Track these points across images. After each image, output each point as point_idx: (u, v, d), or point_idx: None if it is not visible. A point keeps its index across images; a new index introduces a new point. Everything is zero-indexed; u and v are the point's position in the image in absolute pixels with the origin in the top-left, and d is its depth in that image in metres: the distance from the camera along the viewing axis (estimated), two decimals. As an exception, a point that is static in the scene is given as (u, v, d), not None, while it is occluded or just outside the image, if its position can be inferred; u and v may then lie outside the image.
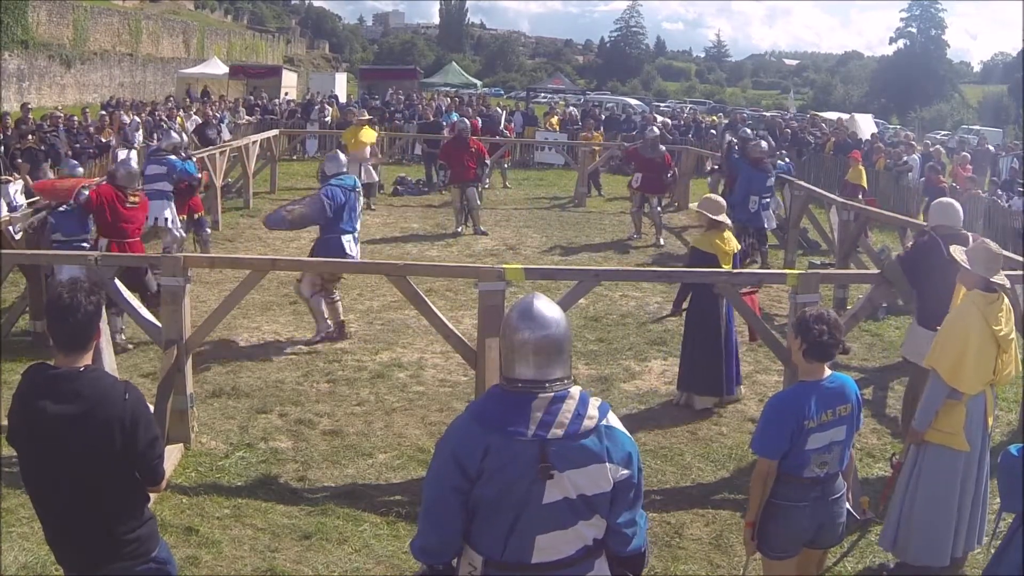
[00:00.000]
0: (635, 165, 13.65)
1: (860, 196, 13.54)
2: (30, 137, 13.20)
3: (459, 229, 13.40)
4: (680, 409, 6.85)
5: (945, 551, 4.46)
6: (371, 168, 15.28)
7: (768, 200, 11.69)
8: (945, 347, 4.33)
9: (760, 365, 7.70)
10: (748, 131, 15.03)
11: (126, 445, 2.86)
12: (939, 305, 5.50)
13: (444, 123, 21.70)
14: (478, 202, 13.68)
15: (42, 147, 12.16)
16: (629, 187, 13.81)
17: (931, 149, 19.86)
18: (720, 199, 7.08)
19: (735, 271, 6.60)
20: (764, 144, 12.28)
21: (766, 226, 11.67)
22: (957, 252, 4.62)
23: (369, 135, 15.22)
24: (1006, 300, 4.48)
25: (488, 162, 14.78)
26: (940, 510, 4.41)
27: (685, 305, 7.06)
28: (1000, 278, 4.41)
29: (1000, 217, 13.91)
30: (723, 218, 6.80)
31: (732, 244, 6.88)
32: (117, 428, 2.84)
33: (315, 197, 8.28)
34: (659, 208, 13.53)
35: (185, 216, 10.58)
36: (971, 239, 5.71)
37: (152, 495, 3.21)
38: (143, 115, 20.49)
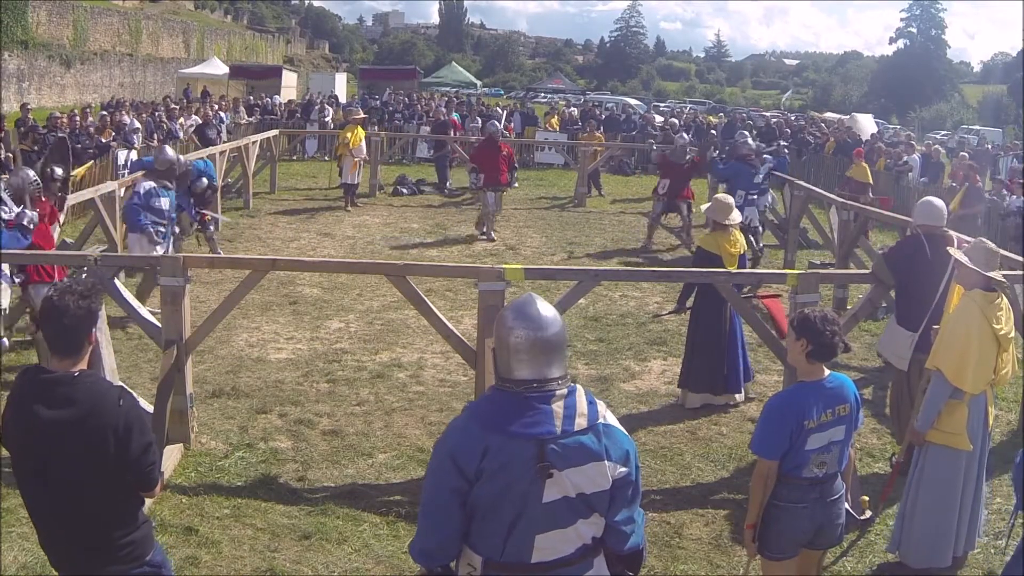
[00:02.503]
0: (662, 171, 13.64)
1: (871, 195, 13.55)
2: (30, 137, 13.20)
3: (492, 234, 13.17)
4: (680, 409, 6.85)
5: (947, 552, 4.48)
6: (360, 166, 15.36)
7: (755, 196, 11.85)
8: (948, 347, 4.33)
9: (760, 365, 7.70)
10: (746, 133, 14.94)
11: (119, 451, 2.84)
12: (919, 304, 5.51)
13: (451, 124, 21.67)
14: (500, 207, 13.58)
15: (35, 148, 12.13)
16: (655, 193, 13.63)
17: (931, 148, 19.87)
18: (729, 200, 7.06)
19: (735, 271, 6.59)
20: (751, 141, 12.80)
21: (743, 220, 11.80)
22: (955, 252, 4.62)
23: (361, 133, 15.47)
24: (1005, 299, 4.49)
25: (516, 165, 14.74)
26: (943, 511, 4.41)
27: (689, 303, 7.06)
28: (998, 275, 4.42)
29: (1000, 217, 13.90)
30: (730, 220, 6.80)
31: (739, 245, 6.87)
32: (111, 434, 2.82)
33: None
34: (690, 215, 13.27)
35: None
36: (956, 240, 5.73)
37: (149, 498, 3.20)
38: (144, 116, 20.47)
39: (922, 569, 4.52)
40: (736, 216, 6.92)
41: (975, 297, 4.38)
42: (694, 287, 6.89)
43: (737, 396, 6.95)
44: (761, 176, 11.95)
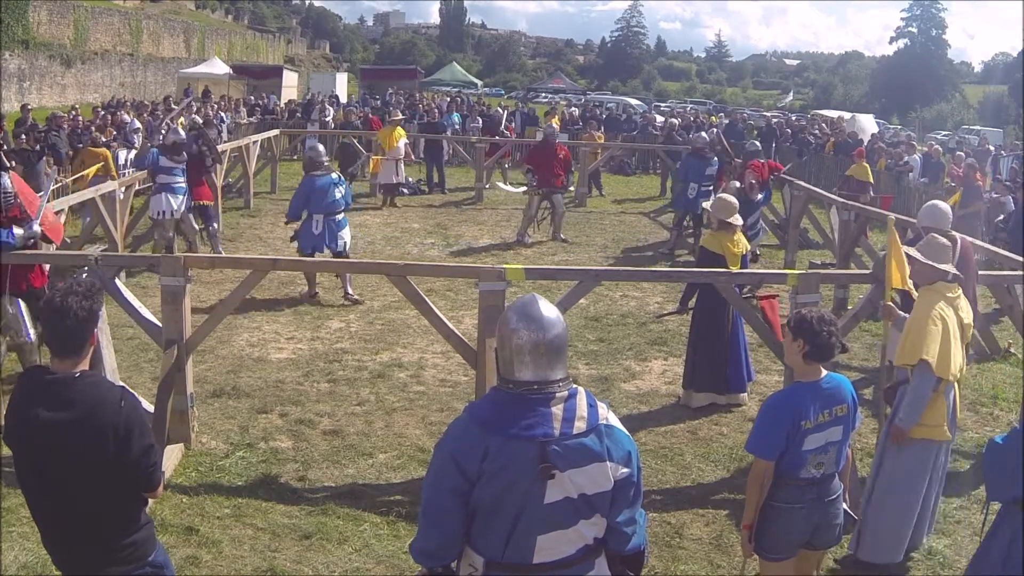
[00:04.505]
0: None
1: (871, 193, 13.60)
2: (23, 137, 13.20)
3: (526, 238, 13.09)
4: (680, 409, 6.85)
5: (903, 546, 4.54)
6: (401, 168, 15.47)
7: (708, 187, 12.24)
8: (929, 339, 4.30)
9: (760, 365, 7.70)
10: (704, 135, 14.85)
11: (119, 452, 2.84)
12: None
13: (446, 123, 21.63)
14: (563, 208, 13.48)
15: (36, 147, 12.15)
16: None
17: (932, 149, 19.86)
18: (732, 200, 7.01)
19: (736, 271, 6.59)
20: (704, 135, 13.54)
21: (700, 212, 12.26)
22: (909, 249, 4.69)
23: (401, 134, 15.59)
24: (962, 292, 4.58)
25: (574, 168, 14.65)
26: (908, 505, 4.45)
27: (692, 304, 7.05)
28: (952, 268, 4.50)
29: (999, 213, 13.90)
30: (734, 220, 6.78)
31: (742, 245, 6.85)
32: (111, 435, 2.82)
33: None
34: None
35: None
36: (959, 241, 5.74)
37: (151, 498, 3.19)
38: (145, 116, 20.46)
39: (879, 564, 4.53)
40: (739, 218, 6.90)
41: (939, 288, 4.45)
42: (697, 287, 6.89)
43: (742, 396, 6.95)
44: (713, 169, 12.46)
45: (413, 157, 16.47)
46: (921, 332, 4.32)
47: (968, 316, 4.53)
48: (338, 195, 9.55)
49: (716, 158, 12.83)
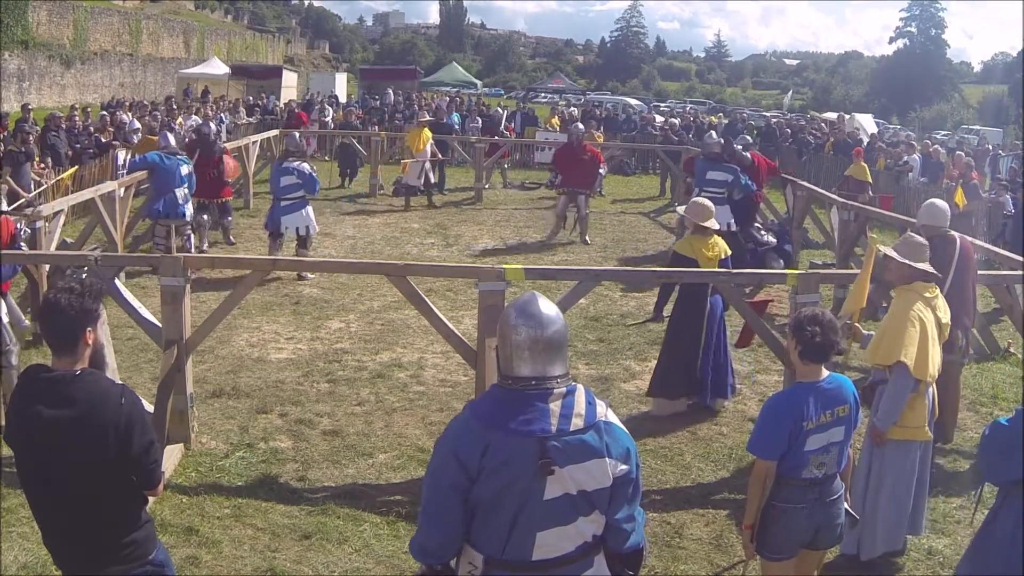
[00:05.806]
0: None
1: (870, 193, 13.62)
2: (18, 138, 13.18)
3: (554, 238, 13.14)
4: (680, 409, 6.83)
5: (902, 535, 4.58)
6: (430, 168, 15.46)
7: (720, 194, 11.11)
8: (907, 341, 4.30)
9: (760, 365, 7.70)
10: (715, 135, 14.46)
11: (121, 450, 2.85)
12: None
13: (449, 123, 21.58)
14: (586, 210, 13.37)
15: (23, 149, 12.16)
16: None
17: (931, 149, 19.88)
18: (708, 203, 6.77)
19: (735, 271, 6.57)
20: (715, 135, 12.76)
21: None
22: (885, 248, 4.69)
23: (429, 136, 15.53)
24: (940, 292, 4.60)
25: (603, 171, 14.45)
26: (902, 500, 4.47)
27: (668, 312, 6.92)
28: (928, 267, 4.50)
29: (1001, 216, 13.93)
30: (711, 223, 6.51)
31: (717, 249, 6.55)
32: (112, 433, 2.83)
33: None
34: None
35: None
36: (959, 240, 5.74)
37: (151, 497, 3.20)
38: (145, 117, 20.43)
39: (876, 557, 4.55)
40: (715, 222, 6.62)
41: (916, 287, 4.45)
42: (670, 293, 6.81)
43: (723, 402, 6.80)
44: (727, 178, 11.56)
45: (440, 157, 16.41)
46: (899, 333, 4.31)
47: (945, 315, 4.54)
48: (283, 182, 10.43)
49: (734, 168, 11.88)
